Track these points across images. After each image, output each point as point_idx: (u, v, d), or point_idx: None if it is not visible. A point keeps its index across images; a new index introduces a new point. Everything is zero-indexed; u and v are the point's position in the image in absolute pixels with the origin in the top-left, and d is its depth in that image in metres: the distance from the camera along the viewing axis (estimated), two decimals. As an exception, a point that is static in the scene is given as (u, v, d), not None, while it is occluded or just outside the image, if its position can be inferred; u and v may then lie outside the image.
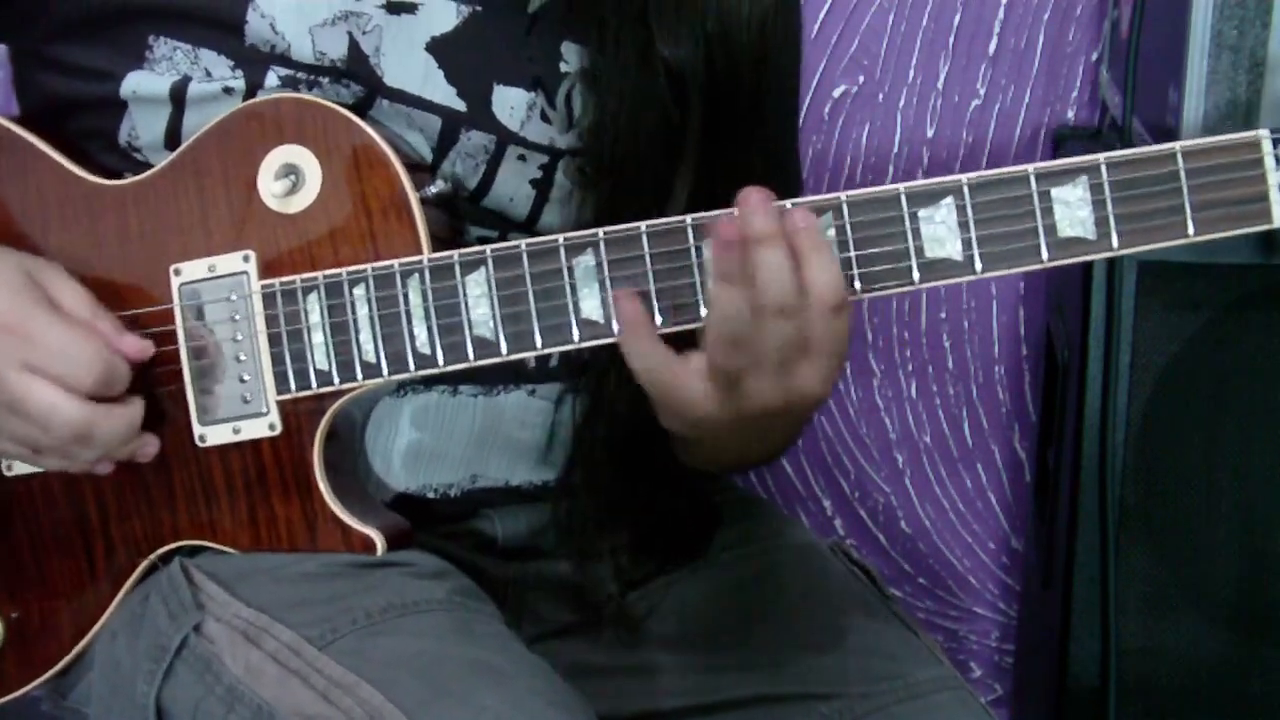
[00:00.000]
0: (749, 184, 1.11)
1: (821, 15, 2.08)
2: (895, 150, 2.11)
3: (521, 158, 1.29)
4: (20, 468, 1.25)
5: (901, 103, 2.11)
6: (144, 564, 1.26)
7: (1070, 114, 2.11)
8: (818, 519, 2.22)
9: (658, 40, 1.25)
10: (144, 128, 1.26)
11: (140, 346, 1.20)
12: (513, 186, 1.29)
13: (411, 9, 1.25)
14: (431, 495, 1.32)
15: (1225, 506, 1.76)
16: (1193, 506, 1.77)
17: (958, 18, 2.09)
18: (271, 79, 1.23)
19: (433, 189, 1.22)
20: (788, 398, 1.10)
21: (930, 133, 2.11)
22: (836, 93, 2.10)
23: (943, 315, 2.16)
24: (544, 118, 1.29)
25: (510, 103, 1.27)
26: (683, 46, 1.25)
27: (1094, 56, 2.09)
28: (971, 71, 2.10)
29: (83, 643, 1.27)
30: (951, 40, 2.09)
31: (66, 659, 1.28)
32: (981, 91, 2.11)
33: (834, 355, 1.09)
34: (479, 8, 1.26)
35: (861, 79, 2.10)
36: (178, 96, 1.24)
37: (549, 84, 1.29)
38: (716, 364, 1.08)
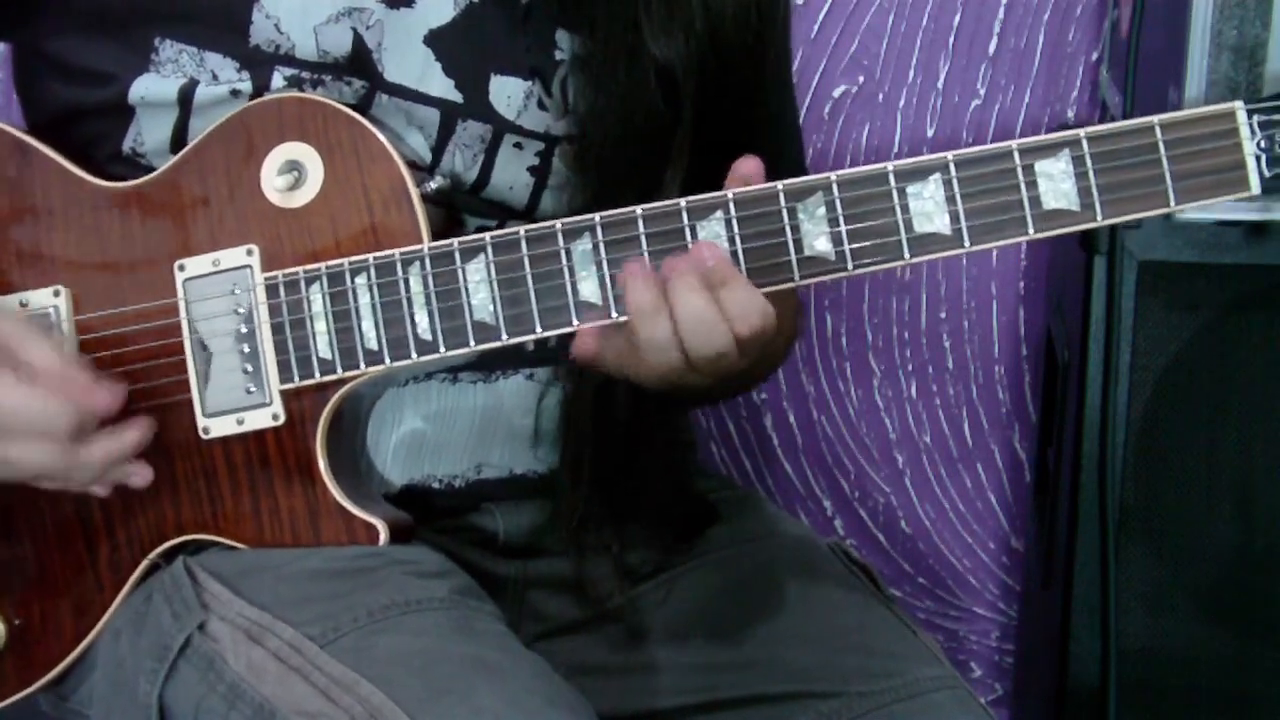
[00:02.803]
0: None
1: (821, 15, 2.08)
2: (895, 150, 2.12)
3: (518, 145, 1.30)
4: None
5: (901, 103, 2.11)
6: (146, 562, 1.26)
7: (1070, 114, 2.11)
8: (818, 519, 2.22)
9: (647, 38, 1.26)
10: (149, 132, 1.27)
11: (110, 400, 1.19)
12: (511, 175, 1.30)
13: (409, 3, 1.26)
14: (436, 485, 1.32)
15: (1225, 506, 1.76)
16: (1193, 506, 1.77)
17: (958, 18, 2.09)
18: (277, 79, 1.24)
19: (432, 185, 1.24)
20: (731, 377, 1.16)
21: (930, 133, 2.11)
22: (836, 93, 2.11)
23: (943, 315, 2.16)
24: (540, 105, 1.30)
25: (507, 92, 1.28)
26: (673, 45, 1.27)
27: (1094, 56, 2.09)
28: (971, 71, 2.10)
29: (83, 644, 1.27)
30: (951, 40, 2.09)
31: (67, 660, 1.28)
32: (981, 91, 2.11)
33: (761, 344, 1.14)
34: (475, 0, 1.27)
35: (861, 79, 2.10)
36: (185, 100, 1.25)
37: (545, 72, 1.30)
38: (660, 375, 1.14)
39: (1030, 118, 2.11)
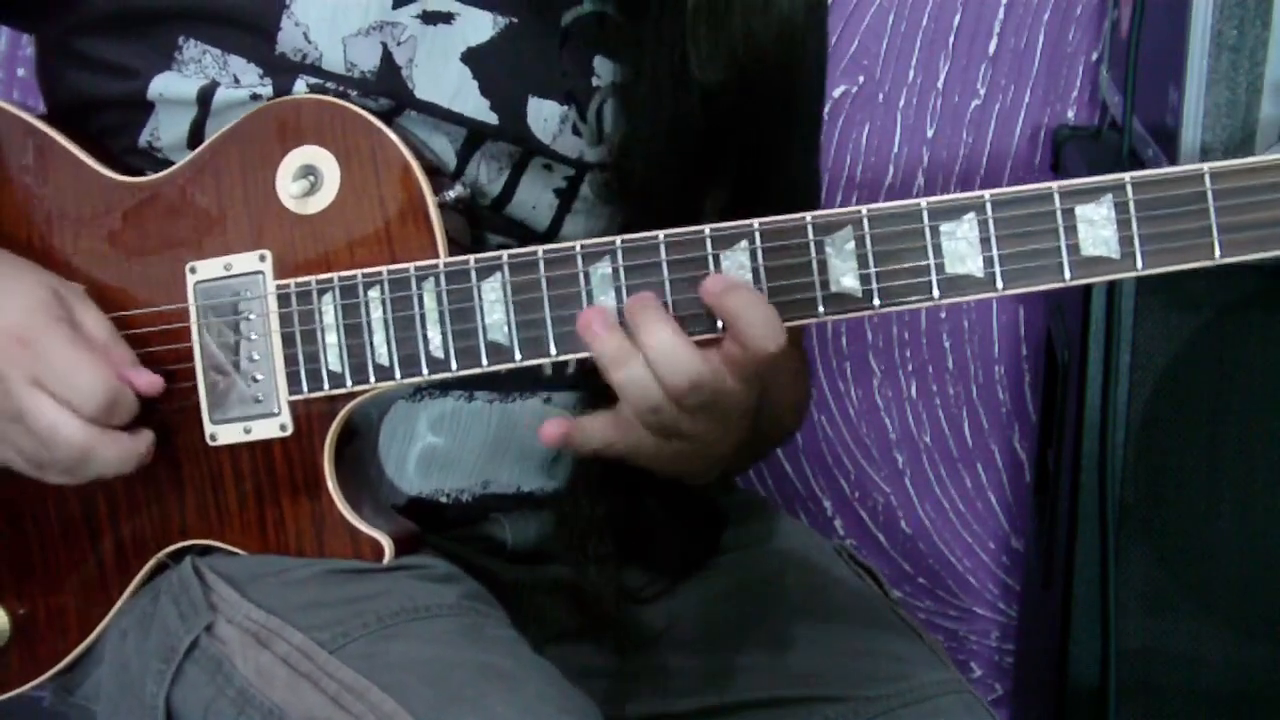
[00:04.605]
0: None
1: (821, 15, 2.08)
2: (895, 150, 2.11)
3: (547, 167, 1.29)
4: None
5: (901, 103, 2.11)
6: (152, 562, 1.26)
7: (1070, 114, 2.11)
8: (818, 519, 2.22)
9: (694, 63, 1.25)
10: (167, 128, 1.26)
11: (151, 382, 1.19)
12: (535, 195, 1.29)
13: (448, 19, 1.25)
14: (444, 500, 1.32)
15: (1226, 506, 1.76)
16: (1193, 506, 1.77)
17: (958, 18, 2.09)
18: (300, 87, 1.23)
19: (451, 194, 1.22)
20: (738, 432, 1.13)
21: (930, 133, 2.11)
22: (836, 93, 2.11)
23: (943, 315, 2.17)
24: (575, 131, 1.28)
25: (544, 115, 1.27)
26: (719, 70, 1.25)
27: (1094, 56, 2.10)
28: (971, 71, 2.10)
29: (88, 640, 1.27)
30: (951, 40, 2.10)
31: (71, 656, 1.27)
32: (981, 91, 2.11)
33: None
34: (514, 19, 1.26)
35: (861, 79, 2.10)
36: (204, 100, 1.24)
37: (581, 98, 1.28)
38: (648, 424, 1.11)
39: (1030, 118, 2.11)
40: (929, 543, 2.23)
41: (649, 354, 1.08)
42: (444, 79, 1.25)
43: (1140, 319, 1.72)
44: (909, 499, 2.22)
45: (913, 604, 2.23)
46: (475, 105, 1.25)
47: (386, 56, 1.24)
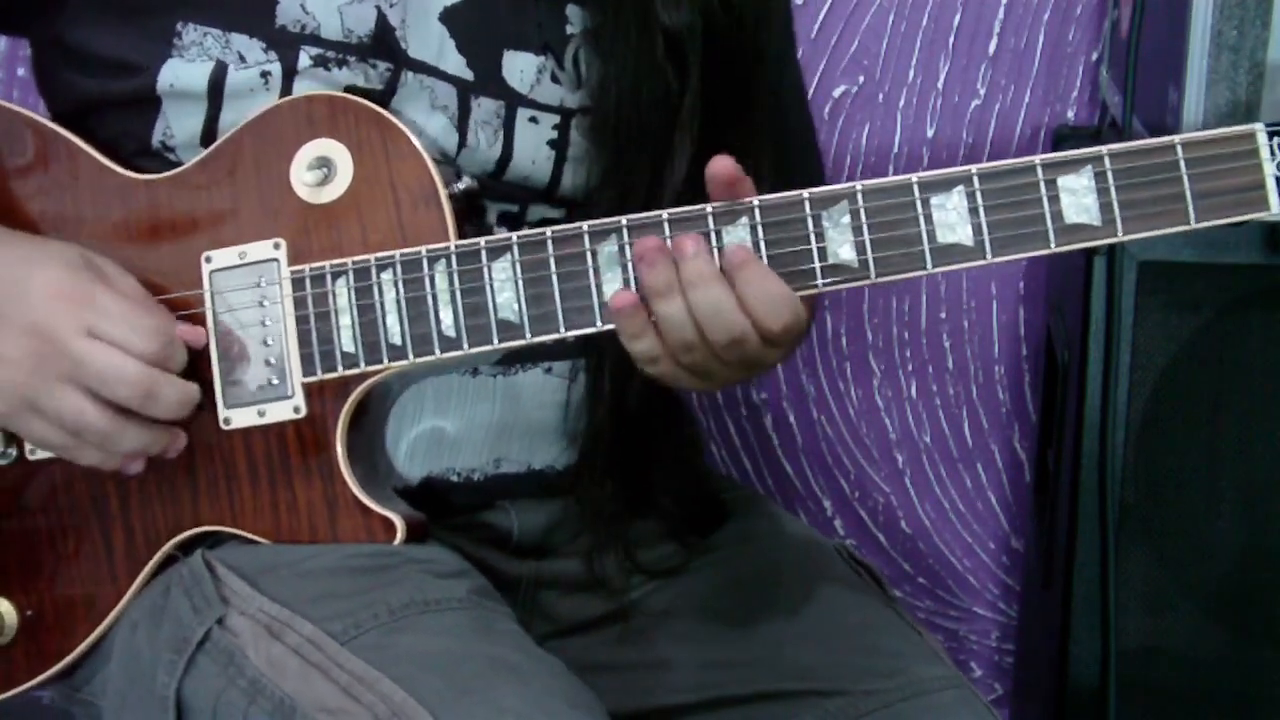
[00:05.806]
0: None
1: (821, 15, 2.08)
2: (895, 150, 2.12)
3: (533, 119, 1.31)
4: (44, 450, 1.25)
5: (901, 103, 2.11)
6: (160, 554, 1.26)
7: (1070, 114, 2.11)
8: (818, 519, 2.22)
9: (658, 7, 1.27)
10: (179, 126, 1.27)
11: (196, 332, 1.22)
12: (532, 150, 1.31)
13: None
14: (455, 479, 1.32)
15: (1225, 506, 1.76)
16: (1193, 506, 1.77)
17: (958, 18, 2.09)
18: (304, 59, 1.25)
19: (460, 185, 1.25)
20: (763, 366, 1.17)
21: (930, 133, 2.12)
22: (836, 93, 2.11)
23: (943, 315, 2.17)
24: (554, 79, 1.31)
25: (520, 67, 1.30)
26: (682, 13, 1.28)
27: (1094, 56, 2.10)
28: (971, 71, 2.11)
29: (95, 634, 1.27)
30: (951, 40, 2.10)
31: (78, 650, 1.27)
32: (981, 91, 2.11)
33: (793, 337, 1.15)
34: None
35: (861, 79, 2.11)
36: (215, 88, 1.25)
37: (557, 46, 1.31)
38: (681, 362, 1.14)
39: (1030, 118, 2.11)
40: (929, 543, 2.23)
41: (694, 308, 1.12)
42: (429, 39, 1.27)
43: (1140, 319, 1.72)
44: (909, 499, 2.22)
45: (913, 604, 2.23)
46: (455, 63, 1.28)
47: (381, 19, 1.26)
